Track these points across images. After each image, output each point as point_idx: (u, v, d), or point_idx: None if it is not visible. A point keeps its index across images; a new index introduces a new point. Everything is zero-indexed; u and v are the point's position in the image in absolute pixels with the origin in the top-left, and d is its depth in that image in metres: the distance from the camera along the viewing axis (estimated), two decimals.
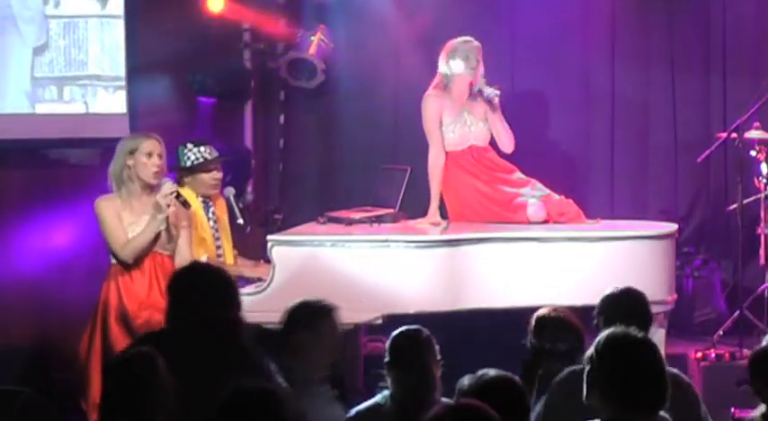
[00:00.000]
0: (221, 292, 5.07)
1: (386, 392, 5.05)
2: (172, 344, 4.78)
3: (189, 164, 6.90)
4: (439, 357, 5.01)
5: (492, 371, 4.29)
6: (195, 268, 5.45)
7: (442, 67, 7.50)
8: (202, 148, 6.93)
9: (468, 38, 7.52)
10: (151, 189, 6.48)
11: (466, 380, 4.38)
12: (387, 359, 4.99)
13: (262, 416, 3.81)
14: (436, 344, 5.07)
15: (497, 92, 7.44)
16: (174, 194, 6.41)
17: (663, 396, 3.97)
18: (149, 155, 6.43)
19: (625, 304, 5.33)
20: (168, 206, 6.36)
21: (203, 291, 5.04)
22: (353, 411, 5.11)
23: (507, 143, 7.57)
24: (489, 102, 7.46)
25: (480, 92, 7.45)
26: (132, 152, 6.44)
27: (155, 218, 6.37)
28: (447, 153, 7.48)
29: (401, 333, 5.06)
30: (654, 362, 4.01)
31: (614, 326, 4.94)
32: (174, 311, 5.05)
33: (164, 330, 5.09)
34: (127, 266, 6.42)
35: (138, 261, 6.42)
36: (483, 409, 3.63)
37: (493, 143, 7.63)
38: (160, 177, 6.47)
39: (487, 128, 7.54)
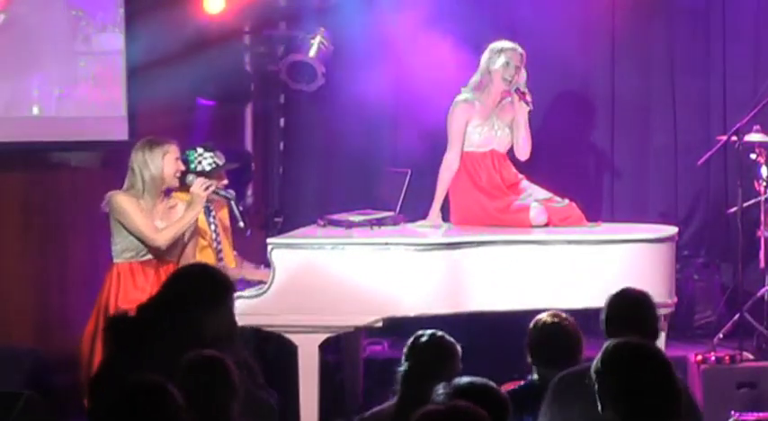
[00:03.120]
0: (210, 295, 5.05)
1: None
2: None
3: (200, 168, 6.95)
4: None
5: (465, 378, 4.23)
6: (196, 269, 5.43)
7: (483, 68, 7.46)
8: (213, 154, 7.01)
9: (511, 43, 7.46)
10: (166, 194, 6.58)
11: (441, 389, 4.30)
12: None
13: (151, 411, 3.76)
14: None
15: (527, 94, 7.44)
16: (212, 188, 6.52)
17: (673, 407, 3.89)
18: (177, 159, 6.59)
19: (629, 306, 5.27)
20: (206, 194, 6.56)
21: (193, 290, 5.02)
22: None
23: (525, 150, 7.53)
24: (521, 96, 7.41)
25: (517, 90, 7.42)
26: (164, 155, 6.56)
27: (193, 208, 6.49)
28: (467, 152, 7.47)
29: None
30: (662, 374, 3.93)
31: (618, 327, 4.96)
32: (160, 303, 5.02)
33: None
34: (132, 266, 6.47)
35: (143, 263, 6.46)
36: (474, 410, 3.62)
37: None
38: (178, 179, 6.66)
39: (510, 135, 7.53)
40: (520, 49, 7.46)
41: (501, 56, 7.42)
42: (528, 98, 7.42)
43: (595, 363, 3.99)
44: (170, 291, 5.03)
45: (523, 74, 7.46)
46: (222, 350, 4.85)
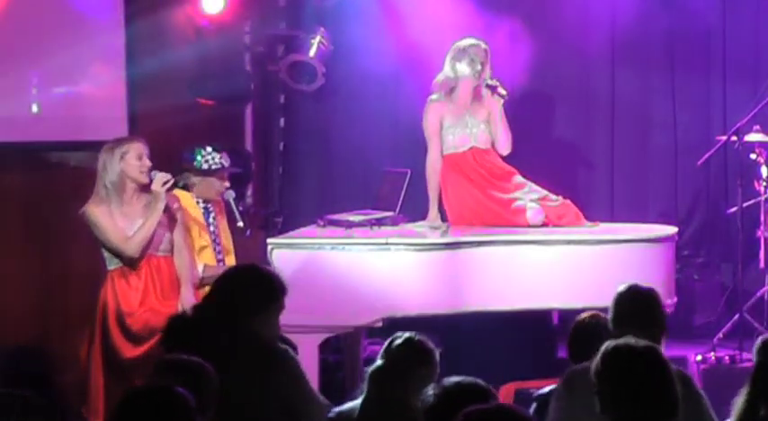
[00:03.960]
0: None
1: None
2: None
3: (206, 167, 6.94)
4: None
5: (454, 378, 4.19)
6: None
7: (447, 69, 7.49)
8: (220, 155, 7.01)
9: (474, 40, 7.50)
10: (141, 190, 6.53)
11: (430, 391, 4.26)
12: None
13: (158, 416, 3.75)
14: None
15: (498, 85, 7.42)
16: (170, 182, 6.47)
17: (671, 407, 3.89)
18: (140, 157, 6.51)
19: (633, 303, 5.24)
20: (166, 190, 6.45)
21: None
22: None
23: (505, 144, 7.53)
24: (493, 90, 7.42)
25: (487, 86, 7.42)
26: (122, 157, 6.50)
27: (154, 207, 6.42)
28: (447, 155, 7.48)
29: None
30: (660, 375, 3.92)
31: (623, 325, 4.94)
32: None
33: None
34: (123, 270, 6.45)
35: (133, 264, 6.45)
36: (520, 412, 3.62)
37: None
38: (148, 176, 6.54)
39: (489, 130, 7.52)
40: (483, 45, 7.47)
41: (464, 54, 7.43)
42: (500, 90, 7.41)
43: (595, 365, 3.98)
44: (224, 293, 5.02)
45: (487, 71, 7.46)
46: (276, 350, 4.88)
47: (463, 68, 7.43)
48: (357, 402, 4.94)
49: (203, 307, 5.12)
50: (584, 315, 5.48)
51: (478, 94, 7.52)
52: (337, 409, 4.97)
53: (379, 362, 4.90)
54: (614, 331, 4.99)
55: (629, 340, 4.06)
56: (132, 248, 6.42)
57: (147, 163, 6.53)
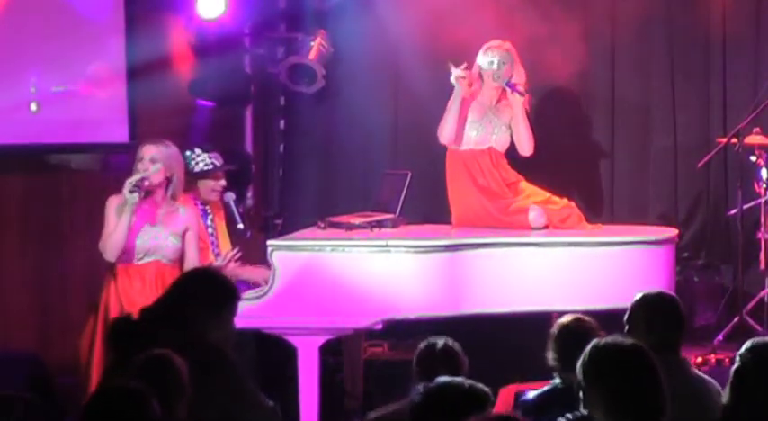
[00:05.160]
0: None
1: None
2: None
3: (198, 169, 6.95)
4: None
5: (442, 378, 4.18)
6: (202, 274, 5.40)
7: (475, 66, 7.56)
8: (211, 155, 7.00)
9: (499, 41, 7.60)
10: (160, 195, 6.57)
11: (420, 388, 4.26)
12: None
13: (126, 416, 3.77)
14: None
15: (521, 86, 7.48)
16: (138, 181, 6.45)
17: (659, 406, 3.87)
18: (141, 160, 6.52)
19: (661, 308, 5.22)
20: (133, 192, 6.42)
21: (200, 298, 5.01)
22: None
23: (526, 145, 7.58)
24: (512, 88, 7.45)
25: (508, 83, 7.46)
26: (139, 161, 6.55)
27: (125, 211, 6.43)
28: (465, 151, 7.52)
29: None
30: (646, 372, 3.90)
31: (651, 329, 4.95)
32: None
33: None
34: (128, 268, 6.46)
35: (140, 267, 6.46)
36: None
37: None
38: (155, 182, 6.55)
39: (509, 134, 7.56)
40: (506, 45, 7.52)
41: (487, 54, 7.49)
42: (520, 88, 7.45)
43: (581, 363, 3.96)
44: (173, 295, 5.02)
45: (520, 70, 7.50)
46: (225, 354, 4.86)
47: (485, 68, 7.48)
48: (389, 408, 4.97)
49: (150, 310, 5.06)
50: (566, 319, 5.39)
51: (505, 95, 7.56)
52: (373, 415, 5.01)
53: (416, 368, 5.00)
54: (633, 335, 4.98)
55: (617, 338, 4.05)
56: (104, 250, 6.46)
57: (147, 166, 6.53)
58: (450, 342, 5.13)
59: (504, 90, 7.54)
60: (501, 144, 7.56)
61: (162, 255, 6.53)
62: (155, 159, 6.52)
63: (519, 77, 7.56)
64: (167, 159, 6.55)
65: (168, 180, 6.58)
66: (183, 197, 6.80)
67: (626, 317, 5.19)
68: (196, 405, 4.55)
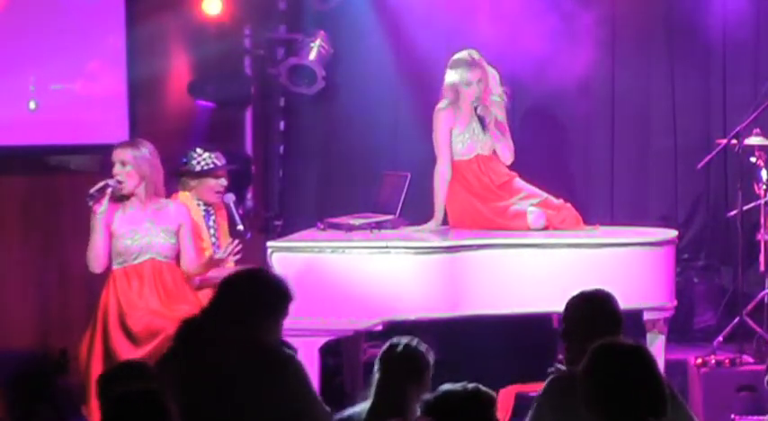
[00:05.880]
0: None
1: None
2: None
3: (198, 168, 6.95)
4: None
5: (444, 386, 4.19)
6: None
7: (446, 77, 7.48)
8: (212, 155, 7.00)
9: (465, 51, 7.48)
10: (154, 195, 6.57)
11: (428, 396, 4.25)
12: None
13: (146, 418, 3.78)
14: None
15: (489, 111, 7.41)
16: (99, 189, 6.44)
17: (659, 406, 3.88)
18: (113, 164, 6.55)
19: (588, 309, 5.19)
20: (93, 203, 6.41)
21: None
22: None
23: (507, 155, 7.55)
24: (481, 120, 7.42)
25: (475, 109, 7.42)
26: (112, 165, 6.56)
27: (96, 224, 6.44)
28: (454, 162, 7.47)
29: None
30: (647, 372, 3.91)
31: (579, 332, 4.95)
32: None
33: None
34: (126, 270, 6.47)
35: (137, 267, 6.47)
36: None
37: None
38: (129, 184, 6.54)
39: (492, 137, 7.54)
40: (470, 57, 7.41)
41: (454, 70, 7.41)
42: (488, 123, 7.39)
43: (583, 364, 3.97)
44: (229, 296, 4.98)
45: (491, 72, 7.45)
46: (291, 355, 4.85)
47: (455, 77, 7.42)
48: (358, 408, 4.96)
49: (211, 310, 5.06)
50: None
51: (485, 97, 7.50)
52: (338, 416, 4.98)
53: (378, 372, 4.94)
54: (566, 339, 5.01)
55: (618, 339, 4.08)
56: (88, 263, 6.48)
57: (116, 171, 6.53)
58: (415, 342, 5.05)
59: (483, 91, 7.46)
60: (487, 148, 7.51)
61: (156, 253, 6.52)
62: (125, 162, 6.51)
63: (492, 81, 7.48)
64: (136, 160, 6.52)
65: (142, 180, 6.56)
66: (175, 195, 6.85)
67: (563, 317, 5.17)
68: (263, 406, 4.61)
